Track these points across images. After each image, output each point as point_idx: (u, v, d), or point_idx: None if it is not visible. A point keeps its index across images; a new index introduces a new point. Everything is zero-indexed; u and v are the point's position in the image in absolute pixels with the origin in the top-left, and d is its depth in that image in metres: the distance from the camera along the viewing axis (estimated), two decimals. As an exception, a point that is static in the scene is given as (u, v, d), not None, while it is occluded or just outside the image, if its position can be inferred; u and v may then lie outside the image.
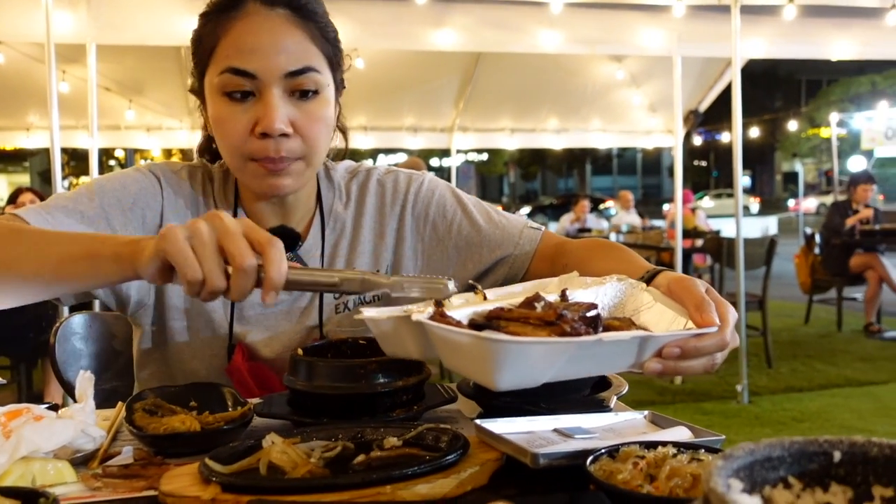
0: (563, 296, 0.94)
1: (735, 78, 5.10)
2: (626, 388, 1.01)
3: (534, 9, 5.24)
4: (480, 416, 1.01)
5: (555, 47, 5.51)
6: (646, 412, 0.94)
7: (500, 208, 1.46)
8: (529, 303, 0.88)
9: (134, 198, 1.23)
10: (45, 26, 4.27)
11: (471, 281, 1.05)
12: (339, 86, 1.27)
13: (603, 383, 1.03)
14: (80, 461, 0.87)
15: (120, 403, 1.06)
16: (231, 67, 1.14)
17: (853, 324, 7.57)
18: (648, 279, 1.02)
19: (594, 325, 0.84)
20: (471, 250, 1.36)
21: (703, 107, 8.54)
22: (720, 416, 4.75)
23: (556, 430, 0.87)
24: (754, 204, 32.47)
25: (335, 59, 1.24)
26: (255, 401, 1.01)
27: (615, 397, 0.98)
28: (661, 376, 0.87)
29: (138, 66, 7.10)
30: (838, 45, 5.89)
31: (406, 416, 0.93)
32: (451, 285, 0.85)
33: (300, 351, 1.00)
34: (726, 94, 8.28)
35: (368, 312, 0.90)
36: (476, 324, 0.85)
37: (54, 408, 0.97)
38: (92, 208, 1.18)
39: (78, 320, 1.63)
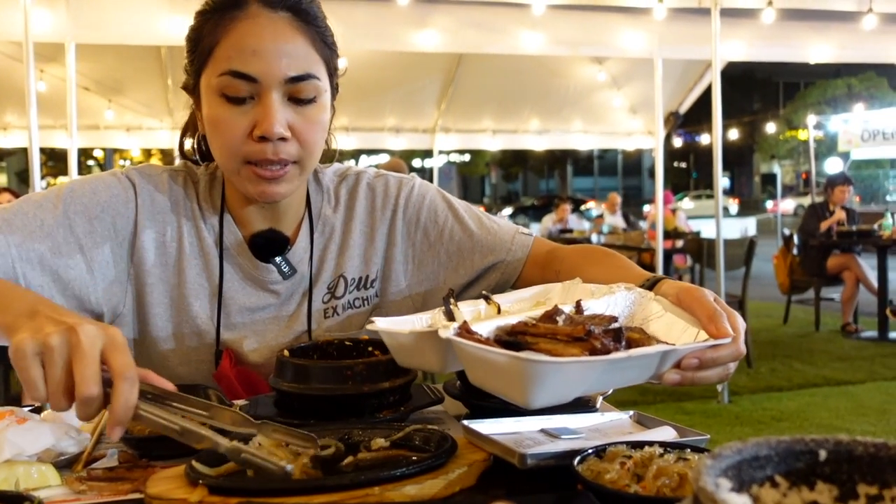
0: (579, 307, 0.94)
1: (715, 80, 5.14)
2: (611, 389, 1.02)
3: (515, 10, 5.27)
4: (467, 417, 1.01)
5: (536, 49, 5.54)
6: (631, 412, 0.94)
7: (482, 209, 1.46)
8: (550, 316, 0.88)
9: (103, 206, 1.20)
10: (23, 24, 4.23)
11: (484, 292, 1.05)
12: (334, 91, 1.26)
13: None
14: (64, 464, 0.86)
15: (103, 406, 1.05)
16: (232, 70, 1.12)
17: (831, 324, 7.66)
18: (650, 287, 1.03)
19: (618, 338, 0.84)
20: (462, 256, 1.36)
21: (684, 109, 8.61)
22: (701, 415, 4.78)
23: (542, 431, 0.87)
24: (733, 205, 32.77)
25: (332, 64, 1.23)
26: (241, 402, 1.01)
27: (601, 398, 0.99)
28: (678, 386, 0.88)
29: (118, 65, 7.05)
30: (816, 48, 5.97)
31: (393, 417, 0.93)
32: (289, 469, 0.75)
33: (286, 352, 1.00)
34: (706, 96, 8.36)
35: (382, 324, 0.89)
36: (501, 340, 0.84)
37: (37, 410, 0.96)
38: (54, 217, 1.16)
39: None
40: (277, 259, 1.28)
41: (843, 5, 5.36)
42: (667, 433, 0.87)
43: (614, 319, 0.90)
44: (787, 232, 8.15)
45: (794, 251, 7.82)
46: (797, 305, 8.09)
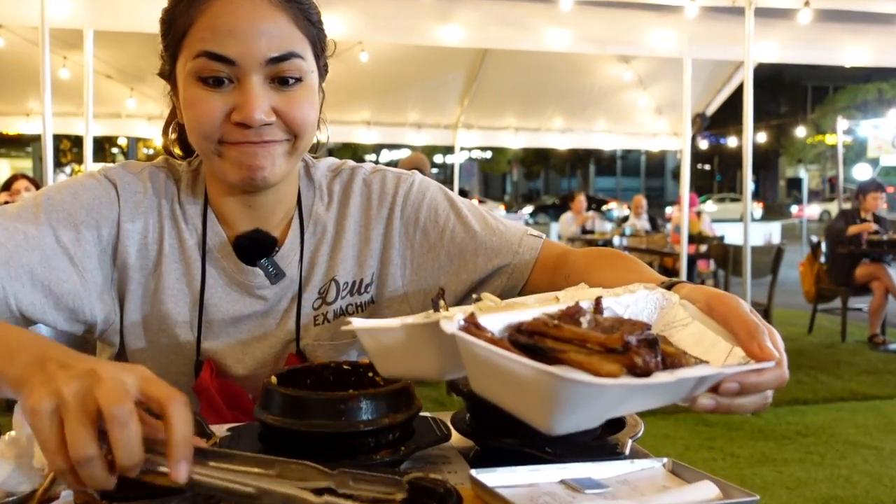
0: (599, 305, 0.80)
1: (747, 82, 4.98)
2: (642, 428, 0.90)
3: (543, 6, 5.14)
4: (476, 457, 0.90)
5: (563, 46, 5.40)
6: (665, 460, 0.82)
7: (502, 207, 1.34)
8: (572, 316, 0.74)
9: (87, 210, 1.11)
10: (39, 10, 4.17)
11: (475, 295, 0.88)
12: (322, 71, 1.16)
13: (615, 422, 0.92)
14: (14, 504, 0.76)
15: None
16: (207, 51, 1.03)
17: (857, 334, 7.45)
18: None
19: (655, 351, 0.70)
20: (465, 258, 1.24)
21: (711, 110, 8.46)
22: (723, 427, 4.63)
23: (563, 482, 0.76)
24: (757, 209, 32.33)
25: (319, 42, 1.13)
26: (224, 431, 0.90)
27: (630, 440, 0.87)
28: (712, 413, 0.75)
29: (140, 53, 6.99)
30: (852, 51, 5.79)
31: (392, 459, 0.81)
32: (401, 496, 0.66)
33: (274, 379, 0.89)
34: (733, 97, 8.21)
35: (360, 323, 0.75)
36: (517, 342, 0.69)
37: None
38: (37, 227, 1.06)
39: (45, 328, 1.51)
40: (264, 261, 1.17)
41: (882, 7, 5.17)
42: (707, 490, 0.75)
43: (647, 327, 0.74)
44: (814, 239, 7.94)
45: (822, 259, 7.62)
46: (822, 314, 7.88)
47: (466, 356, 0.64)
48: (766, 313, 5.71)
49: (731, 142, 21.44)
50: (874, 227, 7.19)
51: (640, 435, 0.88)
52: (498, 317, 0.72)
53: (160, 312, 1.16)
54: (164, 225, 1.17)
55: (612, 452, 0.84)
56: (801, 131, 27.87)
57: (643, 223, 10.14)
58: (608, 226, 11.64)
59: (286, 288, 1.20)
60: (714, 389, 0.72)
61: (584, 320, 0.73)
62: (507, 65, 7.81)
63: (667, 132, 9.50)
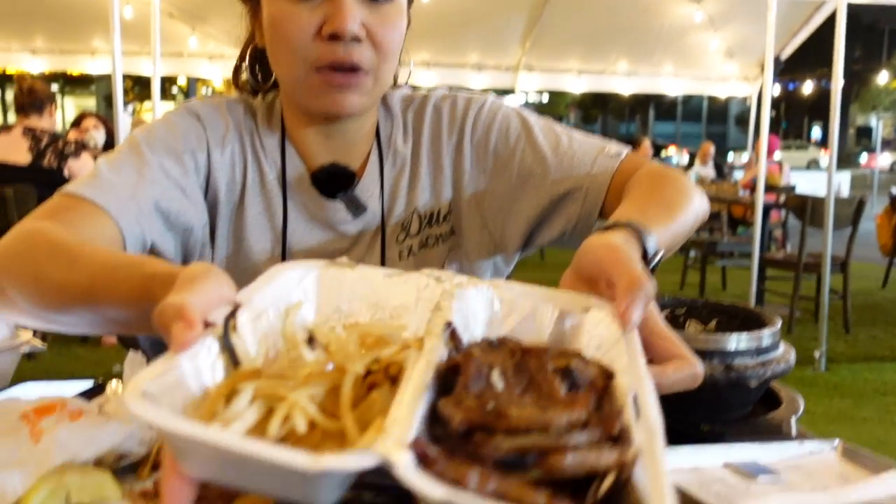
0: (455, 336, 0.60)
1: (839, 26, 4.66)
2: (803, 405, 0.80)
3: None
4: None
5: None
6: (836, 442, 0.73)
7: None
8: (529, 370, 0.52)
9: (183, 141, 1.07)
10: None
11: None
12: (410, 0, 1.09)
13: (769, 397, 0.82)
14: (128, 468, 0.70)
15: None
16: None
17: (935, 291, 7.17)
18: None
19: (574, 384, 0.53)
20: (535, 182, 1.13)
21: (786, 54, 8.05)
22: (795, 383, 4.45)
23: (727, 465, 0.67)
24: (824, 157, 31.19)
25: None
26: None
27: (793, 420, 0.77)
28: None
29: (202, -9, 6.94)
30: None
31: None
32: None
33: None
34: (805, 41, 7.77)
35: (138, 405, 0.46)
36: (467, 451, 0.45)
37: (99, 389, 0.81)
38: (146, 164, 1.02)
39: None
40: (343, 194, 1.11)
41: None
42: (893, 483, 0.66)
43: (577, 355, 0.57)
44: (894, 191, 7.59)
45: (902, 211, 7.29)
46: (897, 269, 7.59)
47: None
48: (843, 266, 5.50)
49: (803, 88, 20.54)
50: None
51: (801, 412, 0.79)
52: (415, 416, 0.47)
53: (244, 249, 1.11)
54: (246, 157, 1.12)
55: (775, 432, 0.75)
56: (882, 76, 26.58)
57: (709, 171, 9.82)
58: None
59: (368, 223, 1.14)
60: None
61: (496, 377, 0.51)
62: (571, 4, 7.53)
63: (736, 76, 9.09)
